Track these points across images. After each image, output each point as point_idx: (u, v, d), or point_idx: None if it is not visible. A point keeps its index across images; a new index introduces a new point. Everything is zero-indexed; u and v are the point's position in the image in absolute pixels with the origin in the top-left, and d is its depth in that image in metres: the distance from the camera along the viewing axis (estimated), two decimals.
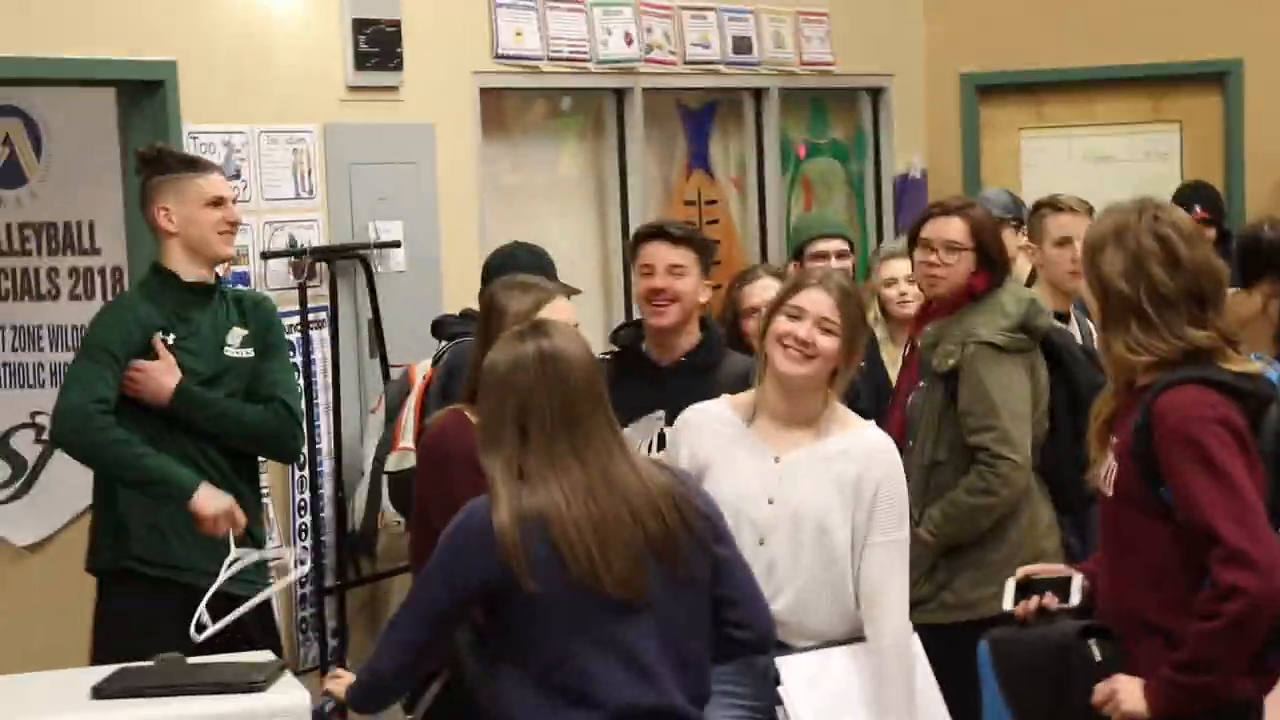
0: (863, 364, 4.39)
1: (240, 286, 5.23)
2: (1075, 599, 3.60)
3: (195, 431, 4.52)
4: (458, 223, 6.16)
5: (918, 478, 4.69)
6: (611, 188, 7.11)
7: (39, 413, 5.73)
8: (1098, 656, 3.48)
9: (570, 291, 4.36)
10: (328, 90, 5.77)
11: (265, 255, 5.52)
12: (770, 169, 7.81)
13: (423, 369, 5.38)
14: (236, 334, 4.66)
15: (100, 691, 3.57)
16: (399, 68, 5.92)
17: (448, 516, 3.40)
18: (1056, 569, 3.76)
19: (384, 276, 5.83)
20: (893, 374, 5.41)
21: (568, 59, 6.65)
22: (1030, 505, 4.76)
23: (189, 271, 4.60)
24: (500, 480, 3.20)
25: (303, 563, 4.61)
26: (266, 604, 4.64)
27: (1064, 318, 5.24)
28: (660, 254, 4.69)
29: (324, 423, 5.69)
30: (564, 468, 3.19)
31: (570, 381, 3.23)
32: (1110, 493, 3.47)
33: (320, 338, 5.70)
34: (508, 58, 6.41)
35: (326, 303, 5.70)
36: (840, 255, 5.81)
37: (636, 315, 6.81)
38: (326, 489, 5.67)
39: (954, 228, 4.86)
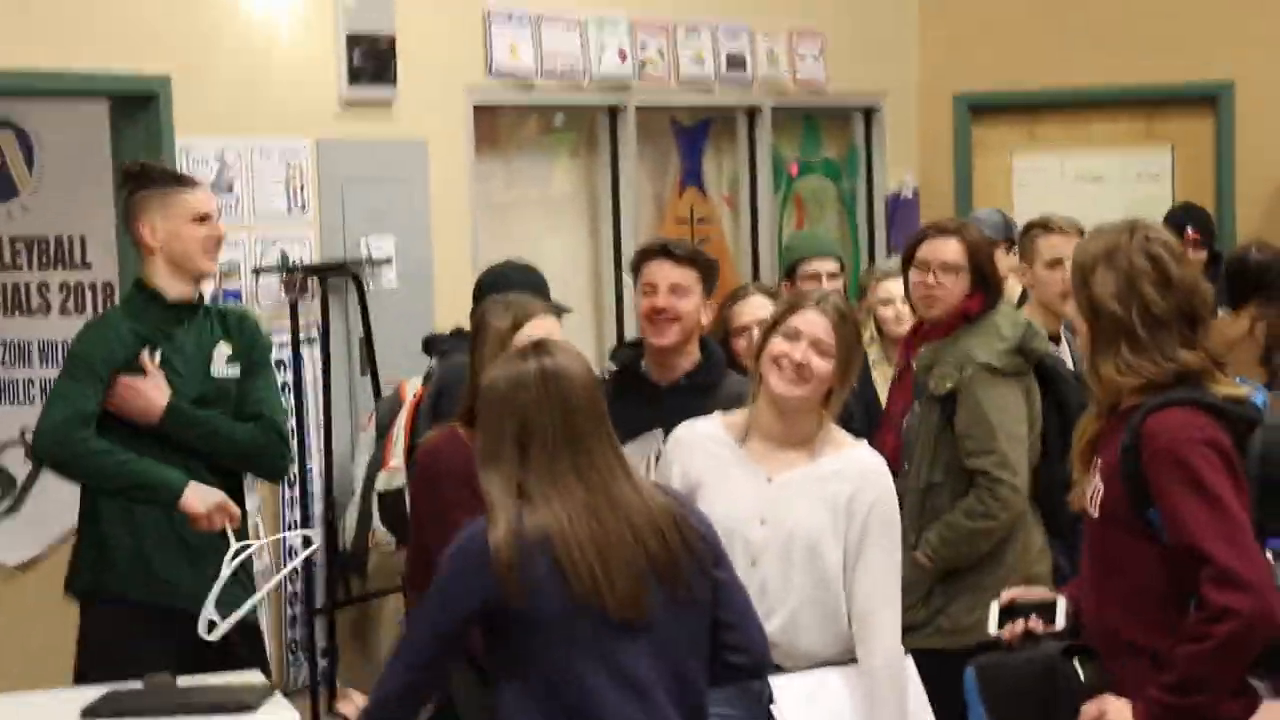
0: (855, 384, 4.38)
1: (226, 302, 5.22)
2: (1061, 622, 3.60)
3: (185, 450, 4.49)
4: (450, 239, 6.15)
5: (913, 500, 4.69)
6: (604, 205, 7.11)
7: (29, 429, 5.71)
8: (1082, 677, 3.48)
9: (559, 310, 4.35)
10: (321, 105, 5.77)
11: (257, 271, 5.51)
12: (763, 187, 7.81)
13: (414, 387, 5.36)
14: (222, 351, 4.63)
15: (91, 712, 3.57)
16: (393, 83, 5.93)
17: (440, 534, 3.39)
18: (1040, 593, 3.76)
19: (376, 293, 5.83)
20: (883, 392, 5.41)
21: (561, 76, 6.66)
22: (1024, 529, 4.76)
23: (173, 288, 4.56)
24: (499, 499, 3.19)
25: (311, 542, 4.55)
26: (255, 627, 4.62)
27: (1054, 339, 5.24)
28: (663, 273, 4.68)
29: (314, 441, 5.68)
30: (566, 487, 3.18)
31: (572, 400, 3.22)
32: (1096, 514, 3.47)
33: (311, 355, 5.69)
34: (501, 74, 6.41)
35: (318, 319, 5.69)
36: (832, 276, 5.81)
37: (629, 333, 6.86)
38: (316, 508, 5.65)
39: (950, 249, 4.86)
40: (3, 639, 5.78)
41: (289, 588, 5.62)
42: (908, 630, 3.97)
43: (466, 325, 5.23)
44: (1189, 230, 7.15)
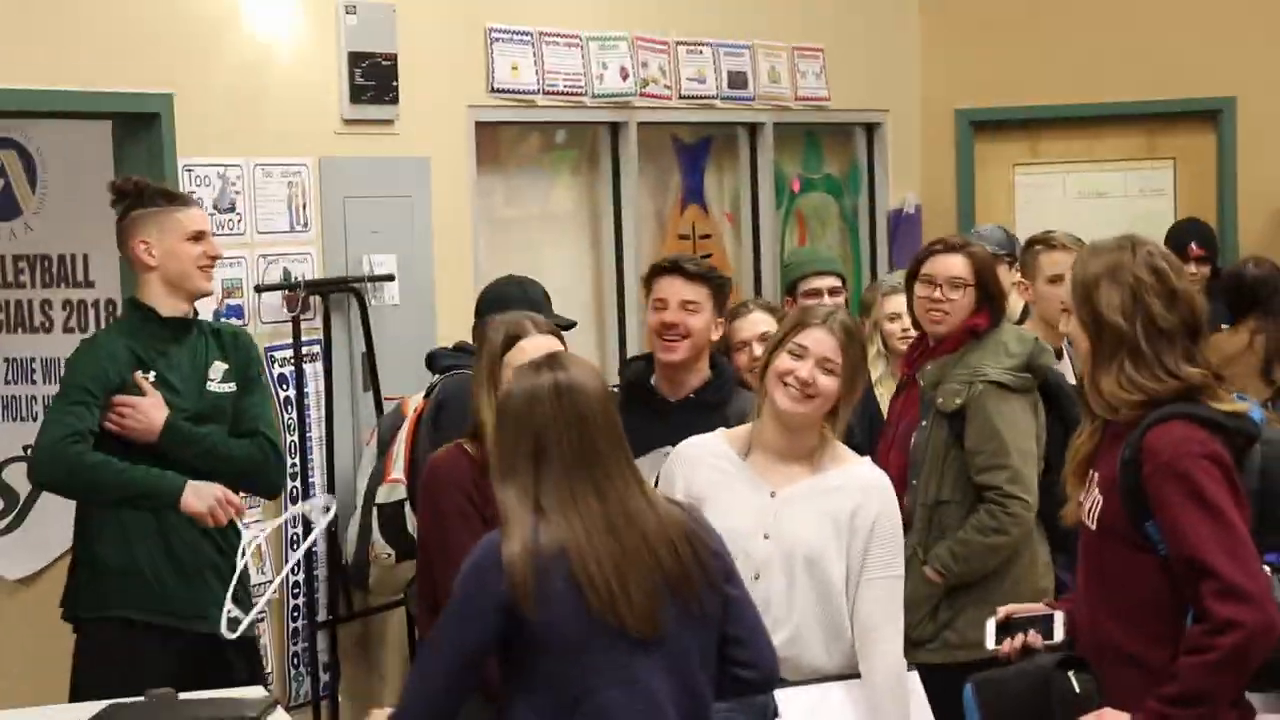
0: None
1: (223, 320, 5.22)
2: (1059, 635, 3.61)
3: (183, 467, 4.48)
4: (452, 256, 6.16)
5: (920, 516, 4.69)
6: (606, 222, 7.12)
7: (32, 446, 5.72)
8: (1077, 689, 3.49)
9: (562, 326, 4.35)
10: (323, 123, 5.77)
11: (259, 288, 5.51)
12: (764, 203, 7.81)
13: (415, 402, 5.37)
14: (218, 368, 4.63)
15: None
16: (395, 101, 5.93)
17: (441, 548, 3.39)
18: (1035, 608, 3.76)
19: (378, 310, 5.83)
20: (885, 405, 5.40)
21: (563, 93, 6.66)
22: (1030, 544, 4.76)
23: (167, 306, 4.56)
24: (514, 513, 3.18)
25: (328, 509, 4.54)
26: (254, 646, 4.61)
27: (1056, 354, 5.24)
28: (675, 289, 4.69)
29: (317, 456, 5.68)
30: (583, 501, 3.18)
31: (587, 415, 3.22)
32: (1094, 526, 3.48)
33: (314, 371, 5.69)
34: (503, 91, 6.42)
35: (320, 336, 5.70)
36: (833, 292, 5.81)
37: (630, 350, 6.86)
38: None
39: (957, 264, 4.86)
40: (4, 654, 5.78)
41: (291, 601, 5.62)
42: (915, 645, 3.97)
43: (468, 340, 5.26)
44: (1192, 245, 7.16)
